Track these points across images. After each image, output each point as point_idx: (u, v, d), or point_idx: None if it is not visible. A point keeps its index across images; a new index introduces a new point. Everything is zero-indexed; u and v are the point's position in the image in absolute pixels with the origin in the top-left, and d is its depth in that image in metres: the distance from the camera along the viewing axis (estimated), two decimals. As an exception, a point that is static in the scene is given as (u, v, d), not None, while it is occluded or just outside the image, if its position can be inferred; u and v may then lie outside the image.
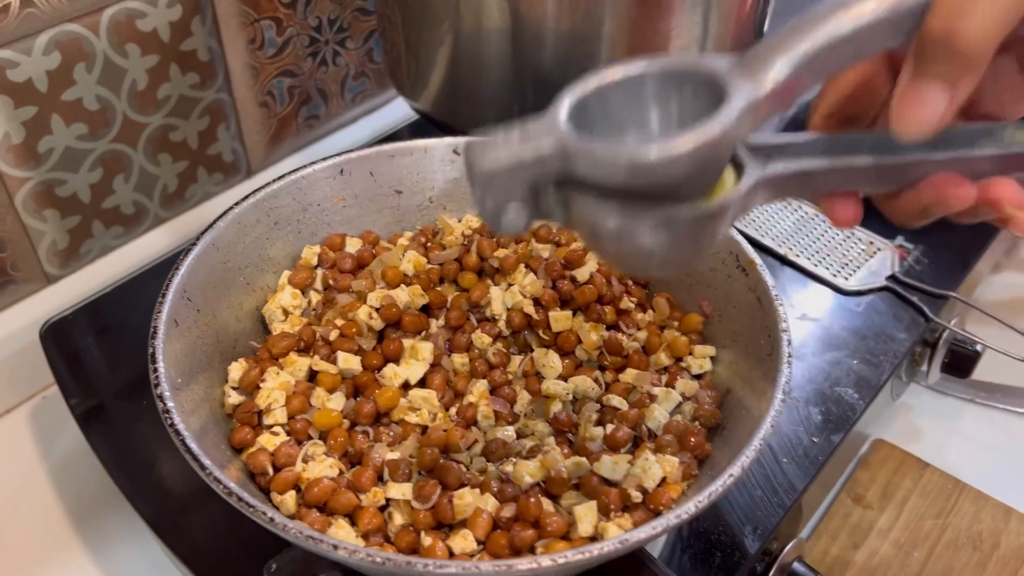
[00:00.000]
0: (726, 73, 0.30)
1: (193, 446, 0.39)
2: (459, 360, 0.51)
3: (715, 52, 0.63)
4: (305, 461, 0.46)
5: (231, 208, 0.51)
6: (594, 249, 0.36)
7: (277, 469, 0.45)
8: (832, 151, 0.34)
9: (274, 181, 0.53)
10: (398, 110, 0.84)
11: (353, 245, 0.56)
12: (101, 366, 0.61)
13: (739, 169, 0.33)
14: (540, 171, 0.31)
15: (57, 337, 0.62)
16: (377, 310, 0.52)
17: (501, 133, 0.32)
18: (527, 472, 0.44)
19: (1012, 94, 0.35)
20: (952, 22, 0.29)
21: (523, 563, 0.36)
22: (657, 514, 0.43)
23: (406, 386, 0.50)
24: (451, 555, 0.42)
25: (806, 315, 0.66)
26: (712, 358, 0.52)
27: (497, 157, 0.31)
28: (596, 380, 0.51)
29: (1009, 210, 0.33)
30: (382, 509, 0.44)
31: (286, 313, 0.53)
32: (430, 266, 0.55)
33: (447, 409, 0.49)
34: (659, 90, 0.32)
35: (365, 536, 0.43)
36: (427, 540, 0.42)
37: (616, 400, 0.49)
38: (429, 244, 0.57)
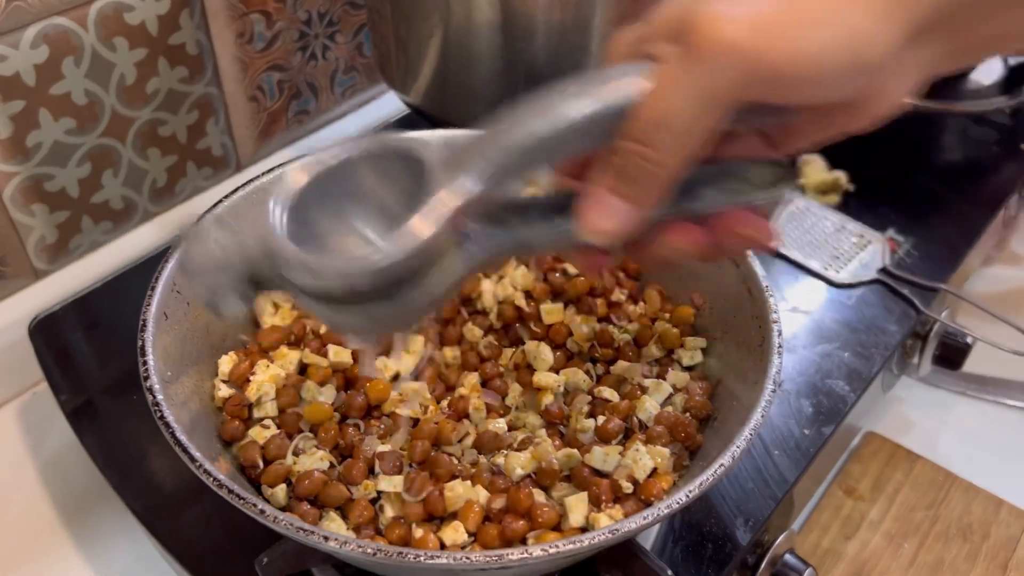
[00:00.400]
0: (433, 169, 0.31)
1: (183, 439, 0.39)
2: (450, 353, 0.51)
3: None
4: (296, 454, 0.45)
5: (221, 201, 0.51)
6: (314, 318, 0.37)
7: (268, 462, 0.45)
8: (555, 211, 0.34)
9: (264, 174, 0.53)
10: (388, 104, 0.84)
11: (343, 238, 0.56)
12: (91, 362, 0.61)
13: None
14: (250, 268, 0.32)
15: (46, 333, 0.61)
16: (368, 303, 0.51)
17: (219, 223, 0.33)
18: (518, 464, 0.44)
19: (760, 150, 0.34)
20: (640, 148, 0.30)
21: (514, 553, 0.36)
22: (648, 505, 0.43)
23: (397, 379, 0.50)
24: (442, 547, 0.42)
25: (797, 308, 0.66)
26: (703, 350, 0.52)
27: (207, 254, 0.32)
28: (587, 372, 0.51)
29: (749, 233, 0.33)
30: (373, 502, 0.44)
31: (276, 306, 0.53)
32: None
33: (438, 402, 0.49)
34: (372, 170, 0.33)
35: (356, 529, 0.43)
36: (418, 532, 0.42)
37: (607, 392, 0.49)
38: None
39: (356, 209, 0.33)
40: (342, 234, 0.33)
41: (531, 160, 0.31)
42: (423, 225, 0.29)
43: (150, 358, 0.43)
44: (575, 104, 0.30)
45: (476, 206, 0.31)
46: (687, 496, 0.38)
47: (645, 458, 0.44)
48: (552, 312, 0.52)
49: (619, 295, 0.54)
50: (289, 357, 0.49)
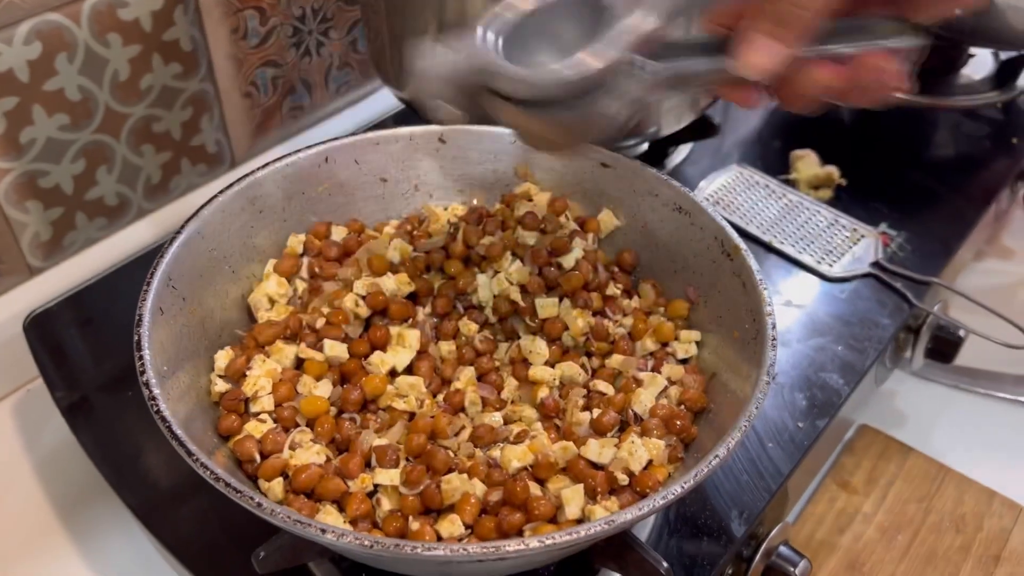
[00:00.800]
0: (617, 6, 0.38)
1: (179, 432, 0.39)
2: (446, 347, 0.51)
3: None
4: (292, 448, 0.46)
5: (216, 196, 0.51)
6: (520, 136, 0.44)
7: (264, 456, 0.45)
8: (707, 52, 0.39)
9: (258, 169, 0.53)
10: (383, 101, 0.84)
11: (339, 233, 0.56)
12: (86, 358, 0.61)
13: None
14: (471, 80, 0.39)
15: (41, 329, 0.61)
16: (363, 298, 0.52)
17: (448, 42, 0.39)
18: (514, 457, 0.45)
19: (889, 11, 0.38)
20: None
21: (511, 545, 0.36)
22: (643, 496, 0.43)
23: (393, 373, 0.50)
24: (439, 539, 0.42)
25: (791, 302, 0.66)
26: (697, 343, 0.52)
27: (437, 63, 0.39)
28: (583, 366, 0.51)
29: (890, 66, 0.37)
30: (370, 495, 0.44)
31: (272, 302, 0.53)
32: (416, 254, 0.55)
33: (434, 396, 0.50)
34: (569, 11, 0.40)
35: (353, 522, 0.43)
36: (415, 525, 0.42)
37: (603, 385, 0.49)
38: (415, 232, 0.57)
39: (547, 47, 0.40)
40: (539, 62, 0.40)
41: (699, 3, 0.38)
42: (606, 50, 0.37)
43: (146, 353, 0.43)
44: None
45: (650, 39, 0.37)
46: (682, 487, 0.38)
47: (640, 450, 0.44)
48: (547, 306, 0.52)
49: (614, 289, 0.54)
50: (285, 352, 0.49)
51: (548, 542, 0.36)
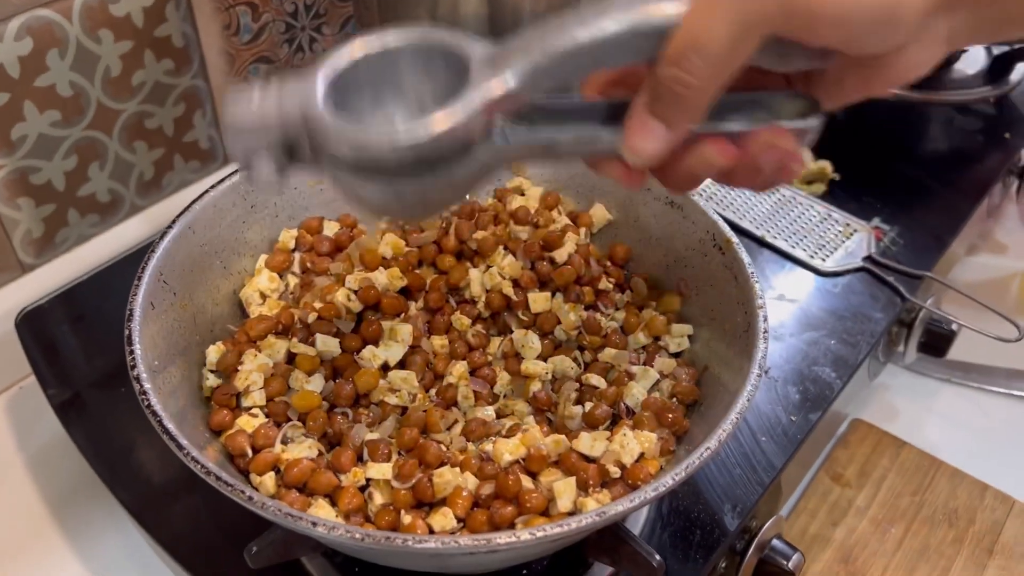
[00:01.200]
0: (474, 64, 0.32)
1: (170, 426, 0.39)
2: (438, 342, 0.51)
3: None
4: (284, 443, 0.45)
5: (207, 191, 0.51)
6: (344, 197, 0.37)
7: (256, 451, 0.45)
8: (581, 120, 0.35)
9: (250, 165, 0.53)
10: (376, 97, 0.84)
11: (331, 228, 0.56)
12: (78, 355, 0.61)
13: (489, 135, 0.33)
14: (286, 133, 0.33)
15: (33, 326, 0.61)
16: (355, 292, 0.52)
17: (261, 86, 0.33)
18: (506, 450, 0.45)
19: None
20: (675, 72, 0.31)
21: (502, 537, 0.36)
22: (635, 488, 0.43)
23: (385, 368, 0.50)
24: (431, 533, 0.42)
25: (784, 296, 0.66)
26: (689, 336, 0.52)
27: (247, 113, 0.33)
28: (575, 360, 0.51)
29: (789, 147, 0.34)
30: (362, 489, 0.44)
31: (264, 296, 0.53)
32: (408, 249, 0.55)
33: (427, 390, 0.50)
34: (415, 62, 0.34)
35: (345, 516, 0.43)
36: (407, 519, 0.42)
37: (595, 379, 0.49)
38: (407, 227, 0.57)
39: (393, 97, 0.34)
40: (376, 118, 0.34)
41: (569, 66, 0.32)
42: (456, 111, 0.31)
43: (137, 347, 0.43)
44: (618, 17, 0.31)
45: (511, 103, 0.32)
46: (673, 479, 0.38)
47: (632, 443, 0.44)
48: (540, 300, 0.52)
49: (606, 283, 0.54)
50: (277, 347, 0.49)
51: (539, 534, 0.36)
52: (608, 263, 0.56)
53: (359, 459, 0.45)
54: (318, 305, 0.51)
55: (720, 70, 0.30)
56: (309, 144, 0.33)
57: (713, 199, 0.73)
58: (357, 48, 0.33)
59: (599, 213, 0.57)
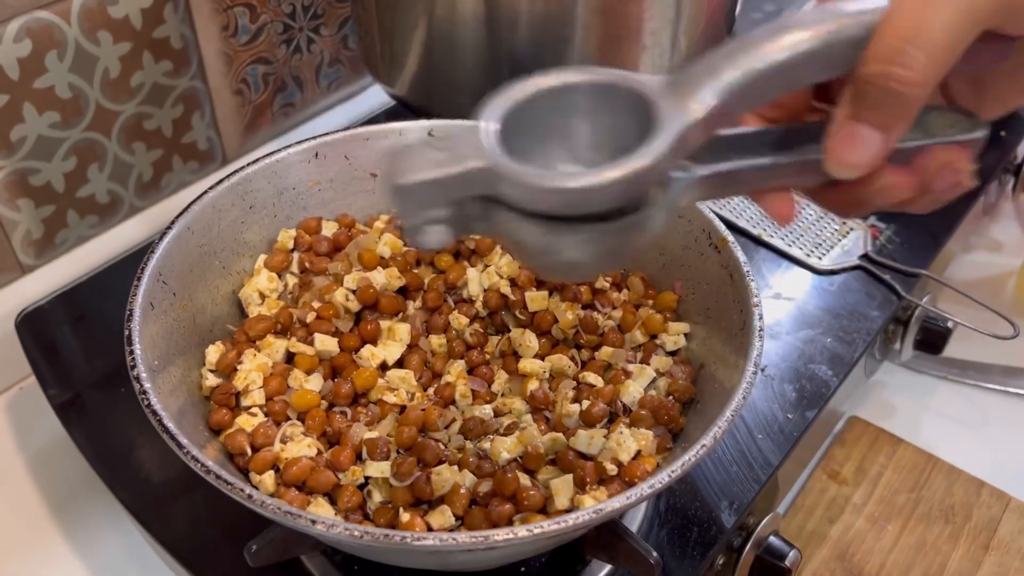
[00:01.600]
0: (657, 96, 0.30)
1: (170, 426, 0.39)
2: (436, 341, 0.52)
3: (684, 37, 0.64)
4: (283, 441, 0.46)
5: (206, 192, 0.51)
6: (518, 259, 0.35)
7: (256, 450, 0.45)
8: (757, 149, 0.33)
9: (249, 165, 0.53)
10: (374, 97, 0.84)
11: (329, 228, 0.56)
12: (78, 355, 0.61)
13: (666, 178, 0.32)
14: (464, 188, 0.31)
15: (33, 327, 0.61)
16: (354, 292, 0.52)
17: (425, 145, 0.31)
18: (504, 448, 0.45)
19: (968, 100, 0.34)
20: (889, 68, 0.29)
21: (500, 534, 0.36)
22: (632, 485, 0.43)
23: (384, 367, 0.50)
24: (430, 531, 0.42)
25: (780, 294, 0.67)
26: (686, 335, 0.52)
27: (420, 171, 0.30)
28: (572, 358, 0.51)
29: (963, 166, 0.32)
30: (361, 488, 0.45)
31: (263, 296, 0.53)
32: (407, 248, 0.55)
33: (425, 389, 0.50)
34: (588, 102, 0.32)
35: (345, 514, 0.43)
36: (406, 517, 0.43)
37: (592, 377, 0.50)
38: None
39: (563, 140, 0.32)
40: (545, 161, 0.32)
41: (763, 88, 0.30)
42: (662, 140, 0.29)
43: (136, 347, 0.43)
44: (813, 29, 0.29)
45: (700, 134, 0.30)
46: (670, 476, 0.38)
47: (629, 441, 0.45)
48: (537, 299, 0.52)
49: (603, 282, 0.55)
50: (276, 346, 0.49)
51: (536, 531, 0.36)
52: (605, 262, 0.56)
53: (358, 457, 0.46)
54: (317, 305, 0.52)
55: (940, 64, 0.28)
56: (482, 199, 0.31)
57: (710, 198, 0.73)
58: (534, 84, 0.31)
59: (596, 212, 0.57)
